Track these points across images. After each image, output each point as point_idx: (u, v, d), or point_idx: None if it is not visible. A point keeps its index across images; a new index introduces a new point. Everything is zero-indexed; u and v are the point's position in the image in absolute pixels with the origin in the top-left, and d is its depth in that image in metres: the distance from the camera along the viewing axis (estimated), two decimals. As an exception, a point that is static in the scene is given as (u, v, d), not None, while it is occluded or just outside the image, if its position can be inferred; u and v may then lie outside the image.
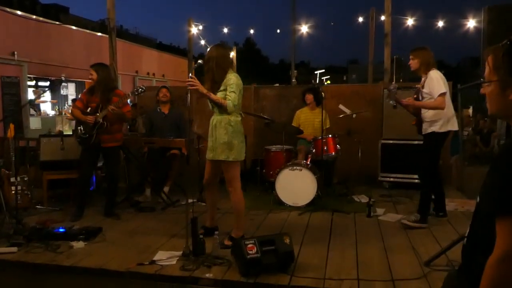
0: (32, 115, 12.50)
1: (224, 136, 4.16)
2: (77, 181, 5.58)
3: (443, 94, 4.61)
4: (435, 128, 4.72)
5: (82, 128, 5.30)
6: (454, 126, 4.84)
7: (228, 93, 4.09)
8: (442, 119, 4.71)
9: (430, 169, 4.86)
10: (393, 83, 5.12)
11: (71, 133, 7.93)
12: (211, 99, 4.09)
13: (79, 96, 5.71)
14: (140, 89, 5.42)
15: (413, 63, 4.84)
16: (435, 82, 4.64)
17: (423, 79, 4.83)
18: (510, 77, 1.39)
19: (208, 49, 4.31)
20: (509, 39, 1.40)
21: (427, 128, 4.78)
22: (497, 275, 1.28)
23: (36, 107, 13.25)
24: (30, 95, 12.12)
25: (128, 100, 5.39)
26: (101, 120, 5.21)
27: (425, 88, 4.74)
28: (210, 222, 4.53)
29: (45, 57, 11.43)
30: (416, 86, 4.88)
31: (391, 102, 4.91)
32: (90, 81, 5.36)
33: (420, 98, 4.84)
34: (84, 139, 5.28)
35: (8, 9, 10.75)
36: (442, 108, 4.65)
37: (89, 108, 5.34)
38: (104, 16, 7.96)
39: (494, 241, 1.31)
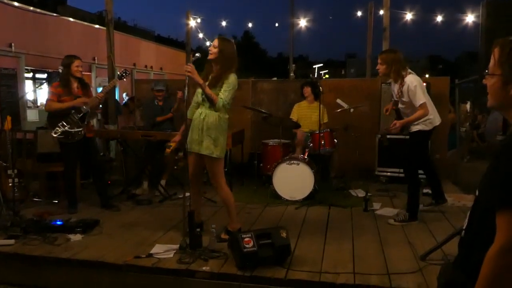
0: (30, 107, 12.46)
1: (212, 131, 4.09)
2: (65, 176, 5.47)
3: (423, 104, 4.49)
4: (420, 126, 4.68)
5: (64, 123, 5.12)
6: (437, 121, 4.78)
7: (222, 91, 4.04)
8: (428, 120, 4.67)
9: (419, 165, 4.87)
10: (383, 131, 5.03)
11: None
12: (204, 92, 4.01)
13: (51, 90, 5.38)
14: (124, 73, 5.42)
15: (381, 69, 4.65)
16: (414, 92, 4.48)
17: (397, 86, 4.64)
18: None
19: (221, 41, 4.14)
20: None
21: (413, 127, 4.71)
22: (496, 268, 1.29)
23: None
24: (28, 87, 12.07)
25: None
26: (89, 110, 5.22)
27: (404, 96, 4.58)
28: (197, 218, 4.49)
29: (43, 49, 11.36)
30: (395, 98, 4.73)
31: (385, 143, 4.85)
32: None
33: (400, 105, 4.73)
34: (74, 133, 5.14)
35: (5, 0, 10.67)
36: (426, 115, 4.56)
37: (61, 102, 5.17)
38: (102, 8, 7.96)
39: (493, 235, 1.32)
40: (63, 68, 5.34)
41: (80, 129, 5.18)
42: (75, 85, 5.26)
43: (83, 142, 5.27)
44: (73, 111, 5.16)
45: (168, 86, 6.93)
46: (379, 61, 4.69)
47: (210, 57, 4.11)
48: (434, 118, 4.72)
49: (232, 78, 4.08)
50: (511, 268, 1.28)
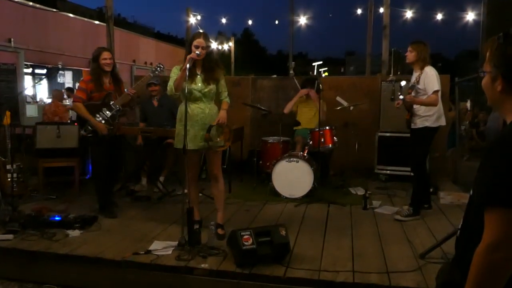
0: (29, 102, 12.45)
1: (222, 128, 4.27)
2: (95, 177, 5.24)
3: (436, 92, 4.68)
4: (428, 123, 4.79)
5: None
6: (443, 121, 4.92)
7: (224, 91, 4.30)
8: (435, 115, 4.79)
9: (422, 162, 4.93)
10: (403, 81, 5.14)
11: (68, 121, 7.90)
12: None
13: (80, 86, 5.14)
14: (159, 68, 4.99)
15: (410, 56, 4.86)
16: (431, 79, 4.70)
17: (416, 74, 4.86)
18: (497, 69, 1.43)
19: (206, 38, 4.16)
20: (503, 32, 1.44)
21: (420, 123, 4.83)
22: (484, 264, 1.31)
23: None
24: (27, 82, 12.06)
25: (125, 89, 5.22)
26: (121, 107, 4.96)
27: (420, 84, 4.78)
28: (198, 215, 4.47)
29: (42, 44, 11.35)
30: (412, 83, 4.89)
31: (401, 97, 4.91)
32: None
33: (414, 93, 4.86)
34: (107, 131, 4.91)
35: (4, -5, 10.65)
36: (436, 105, 4.73)
37: (91, 99, 4.93)
38: (101, 4, 7.91)
39: None
40: (92, 62, 5.02)
41: (111, 127, 4.92)
42: (107, 80, 5.01)
43: (113, 140, 5.04)
44: (104, 108, 4.89)
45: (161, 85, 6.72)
46: (409, 49, 4.88)
47: (201, 57, 4.08)
48: (441, 115, 4.85)
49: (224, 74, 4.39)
50: (499, 266, 1.29)
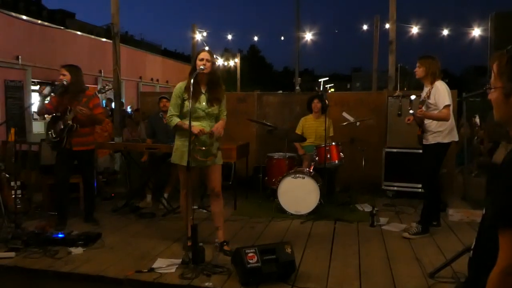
0: (36, 119, 12.51)
1: (218, 142, 4.32)
2: (55, 187, 5.31)
3: (448, 106, 4.63)
4: (440, 138, 4.73)
5: (52, 132, 5.11)
6: (455, 137, 4.87)
7: (224, 110, 4.34)
8: (447, 129, 4.74)
9: (434, 178, 4.85)
10: (412, 96, 5.09)
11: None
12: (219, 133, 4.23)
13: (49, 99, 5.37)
14: (107, 87, 5.28)
15: (419, 71, 4.83)
16: (441, 94, 4.65)
17: (427, 89, 4.81)
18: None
19: (211, 54, 4.20)
20: None
21: (432, 139, 4.77)
22: None
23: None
24: (34, 99, 12.13)
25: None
26: (70, 122, 5.02)
27: (430, 98, 4.73)
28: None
29: (49, 62, 11.44)
30: (423, 98, 4.84)
31: (411, 111, 4.86)
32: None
33: (425, 108, 4.81)
34: (55, 143, 5.10)
35: (13, 14, 10.80)
36: (447, 120, 4.68)
37: (57, 113, 5.13)
38: (109, 22, 7.95)
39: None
40: None
41: (62, 140, 5.05)
42: (67, 96, 5.08)
43: (73, 156, 5.15)
44: (60, 121, 5.07)
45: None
46: (417, 64, 4.85)
47: (206, 71, 4.11)
48: (453, 130, 4.80)
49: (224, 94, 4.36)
50: None
